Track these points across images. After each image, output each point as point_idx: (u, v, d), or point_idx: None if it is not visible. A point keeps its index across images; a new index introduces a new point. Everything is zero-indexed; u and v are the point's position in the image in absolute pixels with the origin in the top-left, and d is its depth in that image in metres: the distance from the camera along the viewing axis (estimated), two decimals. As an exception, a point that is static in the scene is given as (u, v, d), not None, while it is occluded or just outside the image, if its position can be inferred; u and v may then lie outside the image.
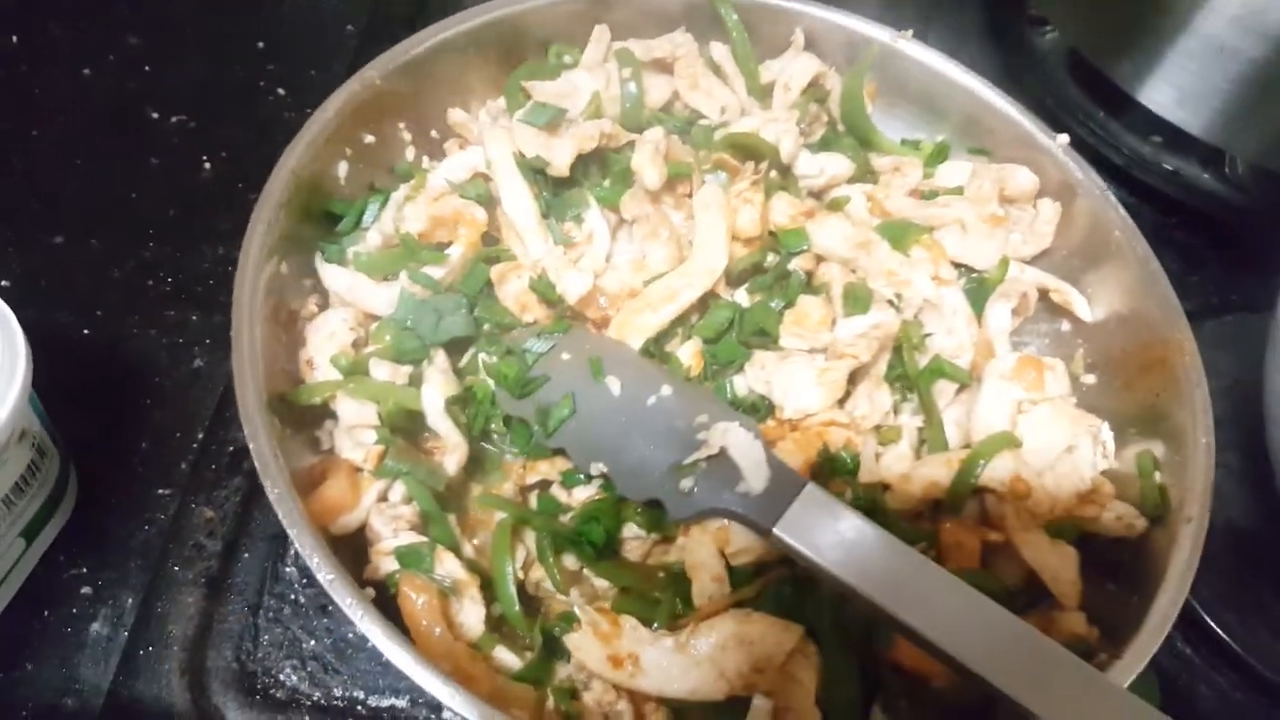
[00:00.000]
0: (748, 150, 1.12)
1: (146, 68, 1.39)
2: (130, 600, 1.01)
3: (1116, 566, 1.01)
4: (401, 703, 0.97)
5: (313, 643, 0.99)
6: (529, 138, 1.04)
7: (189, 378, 1.13)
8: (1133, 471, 1.04)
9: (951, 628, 0.82)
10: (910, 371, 1.08)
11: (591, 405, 0.96)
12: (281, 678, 0.97)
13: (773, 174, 1.12)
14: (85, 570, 1.02)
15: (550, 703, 0.85)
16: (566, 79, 1.14)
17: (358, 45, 1.42)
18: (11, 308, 0.85)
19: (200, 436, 1.09)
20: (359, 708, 0.96)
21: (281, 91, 1.38)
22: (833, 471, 0.98)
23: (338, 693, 0.97)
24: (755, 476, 0.90)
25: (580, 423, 0.95)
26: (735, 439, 0.91)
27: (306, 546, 0.78)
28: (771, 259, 1.09)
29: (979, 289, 1.15)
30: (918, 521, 1.01)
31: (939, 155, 1.24)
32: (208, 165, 1.28)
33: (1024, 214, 1.19)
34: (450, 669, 0.81)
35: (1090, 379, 1.15)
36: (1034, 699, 0.79)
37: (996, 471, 0.98)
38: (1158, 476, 1.02)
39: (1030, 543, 0.97)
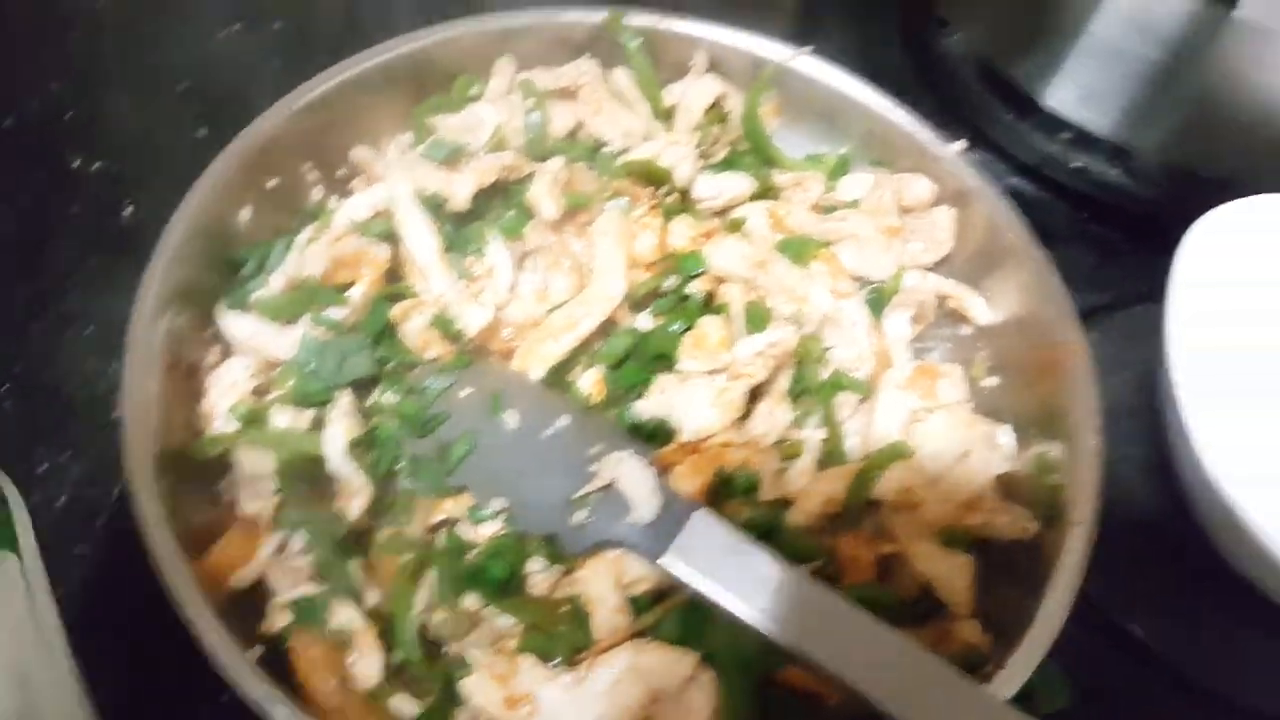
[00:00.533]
0: (646, 175, 1.06)
1: (68, 115, 1.33)
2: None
3: (1014, 570, 0.96)
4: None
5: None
6: (428, 174, 0.98)
7: (110, 430, 1.07)
8: (1033, 473, 1.01)
9: (833, 649, 0.77)
10: (812, 385, 1.03)
11: (490, 441, 0.89)
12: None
13: (671, 198, 1.08)
14: None
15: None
16: (470, 112, 1.07)
17: (283, 80, 1.37)
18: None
19: (118, 490, 1.02)
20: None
21: (204, 132, 1.31)
22: (730, 493, 0.92)
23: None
24: (644, 506, 0.84)
25: (479, 459, 0.89)
26: (625, 469, 0.86)
27: (189, 611, 0.74)
28: (672, 282, 1.04)
29: (878, 299, 1.09)
30: (819, 538, 0.97)
31: (840, 169, 1.17)
32: (128, 211, 1.20)
33: (923, 222, 1.14)
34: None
35: (993, 381, 1.08)
36: (914, 716, 0.76)
37: (889, 483, 0.92)
38: (1051, 478, 0.98)
39: (922, 553, 0.92)
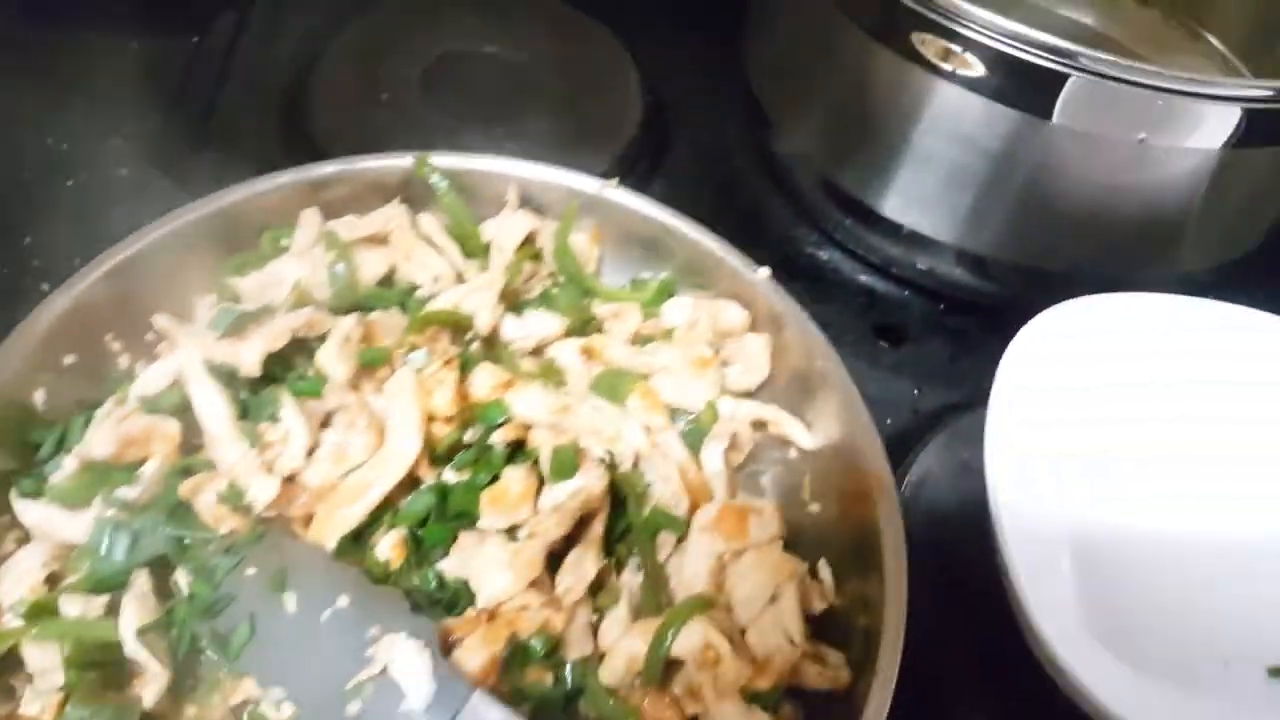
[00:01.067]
0: (448, 324, 1.09)
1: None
2: None
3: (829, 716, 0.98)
4: None
5: None
6: (213, 345, 1.01)
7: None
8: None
9: None
10: (634, 524, 1.05)
11: (271, 624, 0.91)
12: None
13: (475, 345, 1.10)
14: None
15: None
16: (270, 269, 1.10)
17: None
18: None
19: None
20: None
21: (46, 288, 1.33)
22: (526, 661, 0.94)
23: None
24: (417, 694, 0.85)
25: (259, 644, 0.90)
26: (398, 653, 0.86)
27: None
28: (474, 433, 1.06)
29: (696, 430, 1.12)
30: (633, 695, 0.97)
31: (663, 293, 1.20)
32: None
33: (740, 346, 1.16)
34: None
35: (815, 507, 1.11)
36: None
37: (687, 640, 0.94)
38: (863, 620, 1.00)
39: (724, 713, 0.93)
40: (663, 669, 0.95)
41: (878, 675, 0.92)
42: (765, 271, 1.14)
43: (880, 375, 1.40)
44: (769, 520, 1.04)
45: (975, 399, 1.37)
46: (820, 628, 1.02)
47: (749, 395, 1.16)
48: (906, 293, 1.48)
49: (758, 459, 1.17)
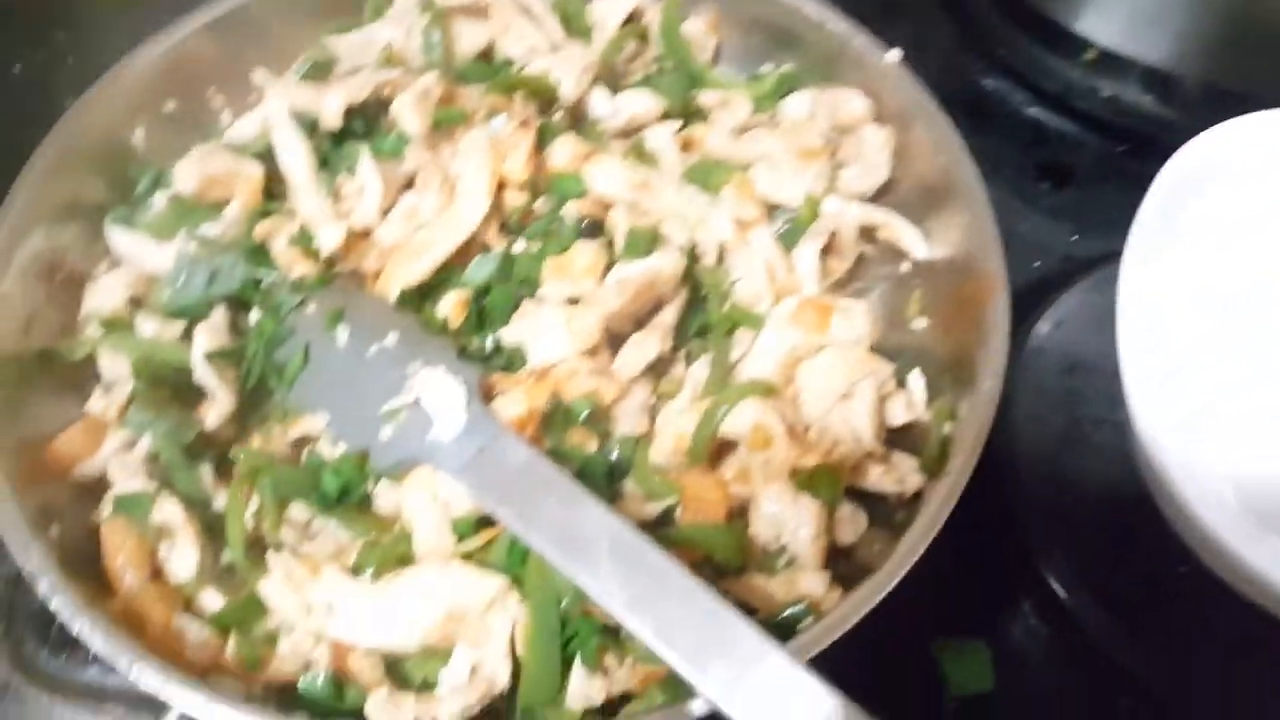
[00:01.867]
0: (532, 92, 1.06)
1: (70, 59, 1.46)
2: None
3: (893, 527, 0.91)
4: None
5: None
6: (299, 92, 1.04)
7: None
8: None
9: (617, 588, 0.76)
10: (712, 320, 1.01)
11: (321, 357, 0.95)
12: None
13: (558, 116, 1.07)
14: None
15: (231, 646, 0.85)
16: (366, 30, 1.12)
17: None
18: None
19: None
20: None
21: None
22: (566, 421, 0.93)
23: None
24: (446, 424, 0.87)
25: (310, 374, 0.95)
26: (432, 385, 0.88)
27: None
28: (546, 204, 1.03)
29: (794, 229, 1.06)
30: (681, 475, 0.94)
31: (781, 87, 1.14)
32: None
33: (860, 143, 1.08)
34: (124, 608, 0.84)
35: (921, 323, 1.04)
36: (692, 670, 0.73)
37: (738, 418, 0.90)
38: (947, 427, 0.91)
39: (770, 497, 0.88)
40: (713, 450, 0.92)
41: (947, 475, 0.85)
42: (896, 54, 1.06)
43: (1035, 216, 1.29)
44: (857, 320, 0.98)
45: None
46: (906, 443, 0.95)
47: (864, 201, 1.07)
48: (1079, 129, 1.34)
49: (863, 275, 1.10)
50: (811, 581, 0.86)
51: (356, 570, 0.89)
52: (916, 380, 0.97)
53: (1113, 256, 1.21)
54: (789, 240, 1.05)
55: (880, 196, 1.09)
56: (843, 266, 1.06)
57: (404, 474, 0.90)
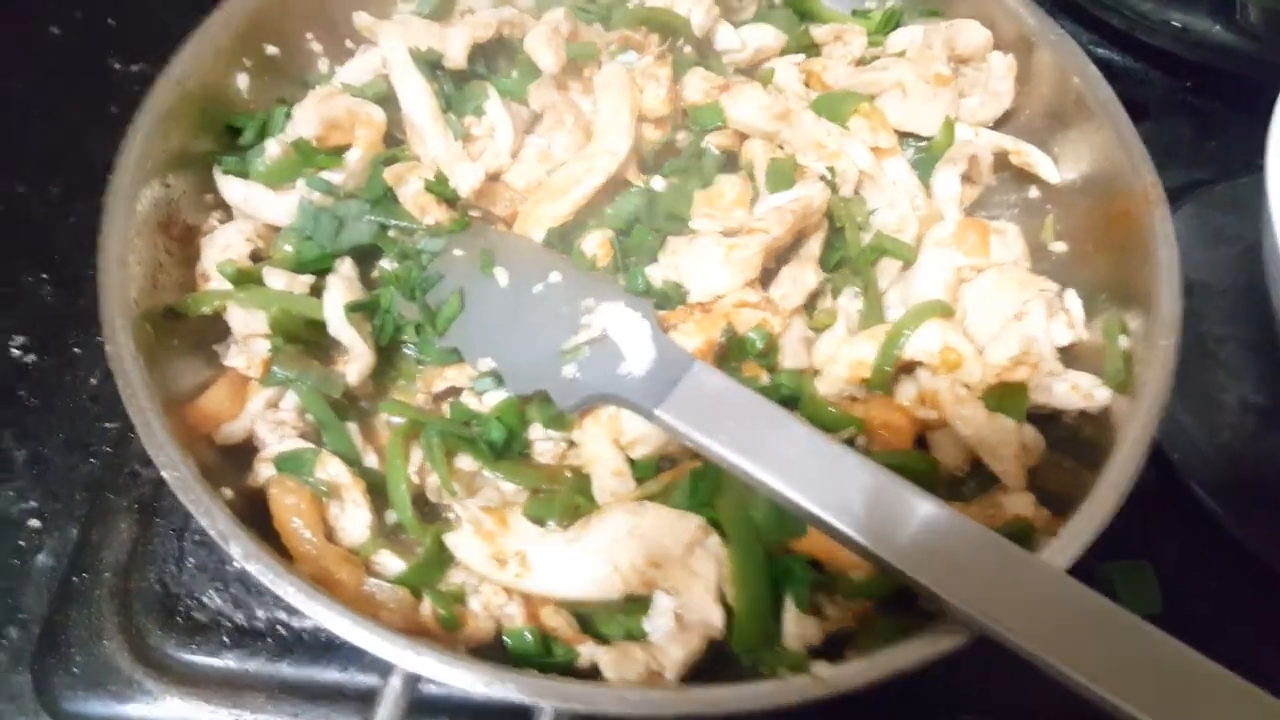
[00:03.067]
0: (658, 26, 1.03)
1: (110, 20, 1.39)
2: (74, 531, 1.00)
3: (1078, 442, 0.90)
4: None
5: (235, 565, 0.95)
6: (420, 30, 0.98)
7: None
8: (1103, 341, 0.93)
9: (858, 516, 0.73)
10: (852, 251, 0.99)
11: (481, 299, 0.90)
12: (205, 600, 0.95)
13: (687, 50, 1.03)
14: (34, 504, 1.03)
15: (426, 606, 0.79)
16: (477, -33, 1.07)
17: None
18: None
19: None
20: (279, 628, 0.93)
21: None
22: (740, 354, 0.89)
23: (260, 614, 0.94)
24: (637, 357, 0.82)
25: (468, 318, 0.89)
26: (617, 319, 0.83)
27: (150, 438, 0.75)
28: (686, 138, 1.00)
29: (928, 157, 1.04)
30: (850, 406, 0.92)
31: (888, 22, 1.12)
32: None
33: (980, 74, 1.07)
34: (312, 571, 0.77)
35: (1060, 247, 1.02)
36: (951, 588, 0.70)
37: (923, 341, 0.88)
38: (1123, 342, 0.90)
39: (966, 418, 0.86)
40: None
41: (1143, 392, 0.83)
42: (1016, -21, 1.03)
43: (1117, 152, 1.28)
44: (1012, 241, 0.97)
45: (1223, 177, 1.25)
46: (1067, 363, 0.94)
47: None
48: (1148, 67, 1.35)
49: (986, 204, 1.09)
50: (1020, 503, 0.84)
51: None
52: (1074, 300, 0.95)
53: (1200, 184, 1.25)
54: (922, 169, 1.03)
55: (1000, 125, 1.08)
56: (973, 194, 1.05)
57: (584, 415, 0.86)
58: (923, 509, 0.73)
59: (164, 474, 0.74)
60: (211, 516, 0.73)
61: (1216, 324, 1.10)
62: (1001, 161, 1.05)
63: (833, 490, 0.74)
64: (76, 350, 1.12)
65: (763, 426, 0.77)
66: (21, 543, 1.01)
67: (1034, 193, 1.06)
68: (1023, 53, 1.05)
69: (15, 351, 1.12)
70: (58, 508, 1.03)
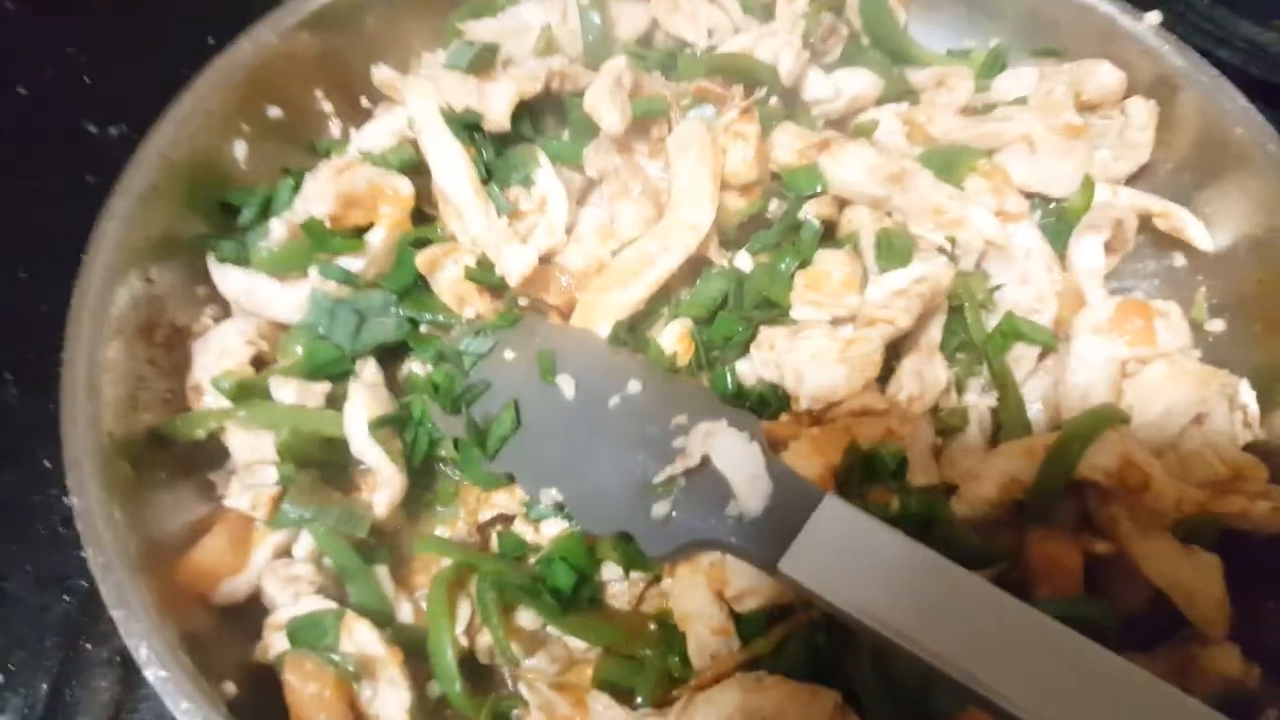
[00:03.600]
0: (739, 74, 0.86)
1: (86, 79, 1.23)
2: (45, 688, 0.83)
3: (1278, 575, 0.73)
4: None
5: None
6: (454, 86, 0.81)
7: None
8: (1288, 442, 0.77)
9: (1035, 686, 0.57)
10: (976, 337, 0.82)
11: (540, 415, 0.73)
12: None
13: (773, 101, 0.87)
14: (-3, 650, 0.85)
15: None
16: (513, 14, 0.91)
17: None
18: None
19: None
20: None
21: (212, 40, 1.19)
22: (869, 476, 0.72)
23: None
24: (750, 493, 0.65)
25: (528, 438, 0.72)
26: (721, 443, 0.66)
27: (132, 633, 0.58)
28: (777, 208, 0.84)
29: (1059, 222, 0.88)
30: (996, 532, 0.75)
31: (994, 64, 0.97)
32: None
33: (1111, 122, 0.91)
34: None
35: (1218, 325, 0.87)
36: None
37: (1099, 457, 0.71)
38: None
39: (1153, 552, 0.69)
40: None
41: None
42: (1154, 16, 0.88)
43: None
44: (1177, 323, 0.80)
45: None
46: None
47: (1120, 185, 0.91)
48: (1260, 104, 1.19)
49: (1119, 272, 0.92)
50: (1226, 659, 0.67)
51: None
52: (1248, 393, 0.79)
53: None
54: (1054, 235, 0.87)
55: (1134, 181, 0.93)
56: (1113, 263, 0.89)
57: (675, 564, 0.69)
58: (1123, 678, 0.57)
59: (148, 674, 0.56)
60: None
61: None
62: (1142, 224, 0.89)
63: (1006, 660, 0.57)
64: (46, 464, 0.92)
65: (916, 580, 0.60)
66: (-18, 700, 0.84)
67: (1179, 260, 0.90)
68: (1165, 97, 0.90)
69: (-23, 468, 0.95)
70: (24, 657, 0.85)
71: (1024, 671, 0.57)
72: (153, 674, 0.57)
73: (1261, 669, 0.68)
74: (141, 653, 0.57)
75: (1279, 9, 1.15)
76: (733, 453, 0.66)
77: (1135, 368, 0.78)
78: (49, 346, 0.99)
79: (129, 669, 0.82)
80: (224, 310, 0.82)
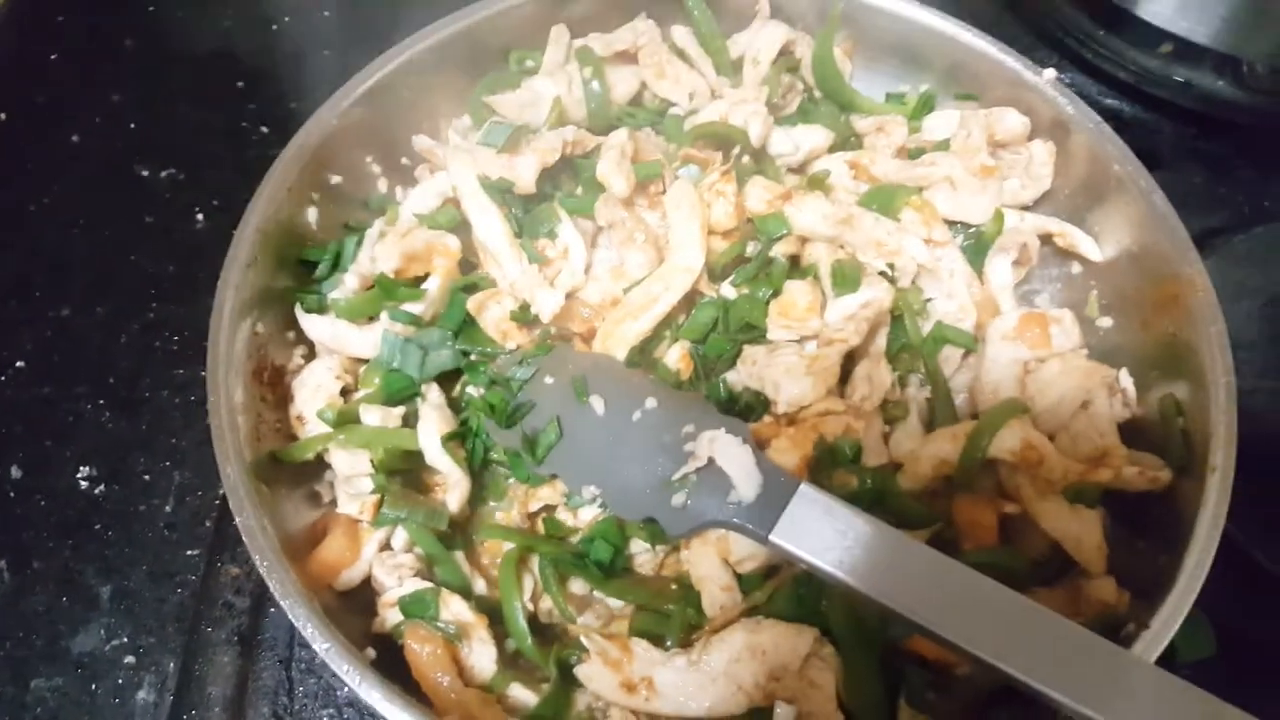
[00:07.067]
0: (717, 138, 1.06)
1: (132, 124, 1.38)
2: (172, 664, 1.01)
3: (1146, 522, 0.94)
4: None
5: (346, 689, 0.96)
6: (490, 160, 1.00)
7: (203, 434, 1.11)
8: (1158, 417, 0.98)
9: (958, 620, 0.77)
10: (914, 340, 1.03)
11: (578, 427, 0.92)
12: (321, 727, 0.97)
13: (745, 159, 1.07)
14: (125, 640, 1.02)
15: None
16: (528, 87, 1.09)
17: (335, 68, 1.38)
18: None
19: (221, 493, 1.07)
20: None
21: (265, 129, 1.35)
22: (834, 463, 0.93)
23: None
24: (746, 484, 0.85)
25: (568, 446, 0.92)
26: (722, 447, 0.87)
27: (300, 617, 0.77)
28: (753, 248, 1.03)
29: (977, 245, 1.08)
30: (934, 500, 0.96)
31: (924, 107, 1.16)
32: (200, 216, 1.26)
33: (1019, 158, 1.11)
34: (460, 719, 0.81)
35: (1106, 322, 1.07)
36: (1054, 684, 0.75)
37: (1005, 440, 0.92)
38: (1180, 421, 0.96)
39: (1048, 511, 0.91)
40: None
41: (1213, 470, 0.88)
42: (1051, 73, 1.08)
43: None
44: (1069, 328, 1.01)
45: (1236, 223, 1.31)
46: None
47: (1026, 210, 1.11)
48: (1157, 116, 1.40)
49: (1030, 279, 1.13)
50: (1104, 589, 0.89)
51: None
52: (1127, 379, 1.00)
53: (1213, 232, 1.30)
54: (972, 255, 1.08)
55: (1037, 203, 1.13)
56: (1020, 274, 1.10)
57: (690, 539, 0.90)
58: (1024, 611, 0.77)
59: (316, 648, 0.76)
60: (368, 688, 0.75)
61: (1246, 377, 1.15)
62: (1045, 240, 1.10)
63: (938, 602, 0.78)
64: (145, 477, 1.11)
65: (871, 544, 0.81)
66: (119, 680, 1.01)
67: (1076, 268, 1.11)
68: (1060, 138, 1.10)
69: (84, 483, 1.11)
70: (151, 642, 1.02)
71: (953, 608, 0.77)
72: (319, 646, 0.76)
73: (1131, 595, 0.89)
74: (308, 630, 0.77)
75: (1164, 37, 1.35)
76: (730, 453, 0.86)
77: (1035, 365, 0.99)
78: (133, 373, 1.18)
79: (246, 645, 1.00)
80: (311, 351, 1.00)
